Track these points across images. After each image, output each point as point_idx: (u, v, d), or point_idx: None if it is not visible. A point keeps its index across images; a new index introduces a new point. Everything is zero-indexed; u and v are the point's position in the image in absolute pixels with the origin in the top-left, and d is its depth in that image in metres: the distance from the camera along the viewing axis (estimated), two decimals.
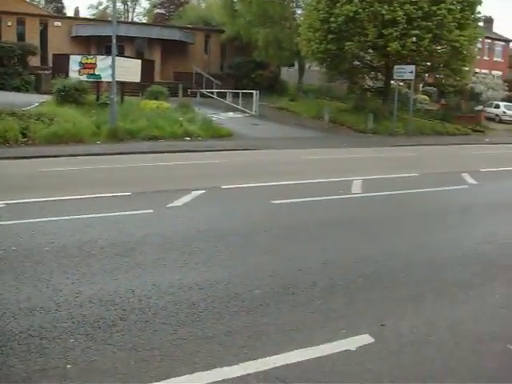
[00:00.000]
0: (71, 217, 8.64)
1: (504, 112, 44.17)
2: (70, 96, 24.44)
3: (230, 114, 32.34)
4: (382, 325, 5.02)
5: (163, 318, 5.03)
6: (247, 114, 32.49)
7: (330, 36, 30.32)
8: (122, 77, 24.88)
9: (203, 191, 11.17)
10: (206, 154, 18.84)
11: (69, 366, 4.16)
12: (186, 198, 10.33)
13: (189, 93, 35.98)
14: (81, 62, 26.49)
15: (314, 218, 9.43)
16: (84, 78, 26.16)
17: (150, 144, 20.60)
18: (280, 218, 9.36)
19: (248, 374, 4.12)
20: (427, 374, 4.23)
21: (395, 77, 30.36)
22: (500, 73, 55.36)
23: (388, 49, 29.21)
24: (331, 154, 20.20)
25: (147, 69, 29.91)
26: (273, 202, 10.38)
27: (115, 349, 4.44)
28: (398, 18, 28.53)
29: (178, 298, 5.46)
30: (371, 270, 6.54)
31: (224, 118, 29.70)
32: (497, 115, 44.05)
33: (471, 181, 14.18)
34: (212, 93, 37.50)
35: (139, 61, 30.06)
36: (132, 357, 4.33)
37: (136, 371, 4.13)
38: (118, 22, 22.96)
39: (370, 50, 32.55)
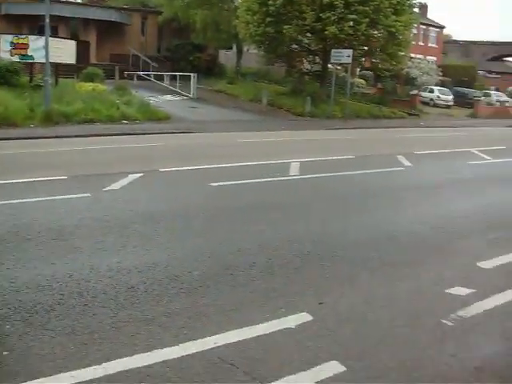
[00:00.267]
0: (5, 202, 8.41)
1: (438, 96, 45.35)
2: (2, 77, 23.63)
3: (168, 96, 32.01)
4: (320, 303, 5.13)
5: (102, 301, 4.99)
6: (185, 97, 32.23)
7: (268, 19, 30.31)
8: (56, 58, 24.18)
9: (141, 174, 11.06)
10: (144, 137, 18.61)
11: (5, 353, 4.09)
12: (123, 182, 10.21)
13: (125, 75, 35.34)
14: (12, 42, 25.56)
15: (252, 199, 9.49)
16: (16, 58, 25.30)
17: (86, 127, 20.19)
18: (218, 200, 9.37)
19: (188, 355, 4.14)
20: (364, 350, 4.36)
21: (333, 61, 30.62)
22: (434, 58, 56.66)
23: (326, 33, 29.43)
24: (269, 136, 20.29)
25: (82, 50, 29.25)
26: (211, 184, 10.38)
27: (53, 334, 4.39)
28: (336, 2, 28.74)
29: (116, 282, 5.42)
30: (309, 249, 6.65)
31: (161, 101, 29.37)
32: (431, 99, 45.17)
33: (406, 163, 14.53)
34: (149, 75, 37.01)
35: (74, 42, 29.25)
36: (71, 341, 4.28)
37: (75, 355, 4.09)
38: (52, 0, 22.17)
39: (308, 34, 32.66)
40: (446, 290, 5.62)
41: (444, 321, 4.93)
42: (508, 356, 4.46)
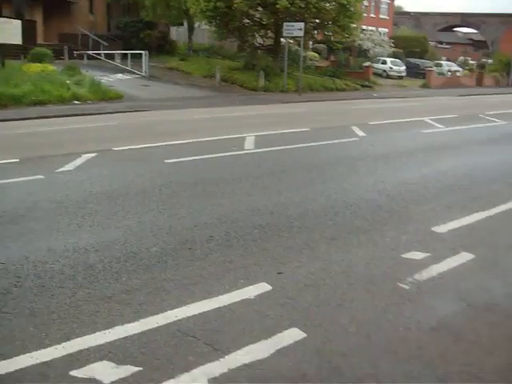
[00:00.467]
0: None
1: (391, 68, 45.77)
2: None
3: (119, 75, 31.49)
4: (279, 273, 5.18)
5: (60, 281, 4.94)
6: (137, 76, 31.75)
7: None
8: (0, 39, 23.55)
9: (94, 154, 10.91)
10: (96, 117, 18.31)
11: None
12: (77, 162, 10.06)
13: (75, 55, 34.66)
14: None
15: (208, 174, 9.46)
16: None
17: (36, 109, 19.75)
18: (174, 176, 9.31)
19: (149, 330, 4.15)
20: (324, 316, 4.43)
21: (285, 34, 30.48)
22: (386, 30, 57.15)
23: (277, 6, 29.24)
24: (224, 112, 20.21)
25: (29, 30, 28.48)
26: (166, 161, 10.31)
27: (11, 316, 4.33)
28: None
29: (74, 261, 5.37)
30: (266, 221, 6.69)
31: (113, 80, 28.89)
32: (384, 71, 45.56)
33: (360, 133, 14.68)
34: (99, 54, 36.28)
35: (19, 21, 28.47)
36: (30, 322, 4.24)
37: (35, 336, 4.05)
38: None
39: (260, 8, 32.44)
40: (402, 255, 5.73)
41: (401, 285, 5.04)
42: (462, 315, 4.58)
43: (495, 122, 18.96)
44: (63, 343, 3.95)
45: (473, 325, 4.44)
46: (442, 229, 6.64)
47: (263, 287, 4.85)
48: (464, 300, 4.84)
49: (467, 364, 3.90)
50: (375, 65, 44.82)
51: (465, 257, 5.77)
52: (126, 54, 34.02)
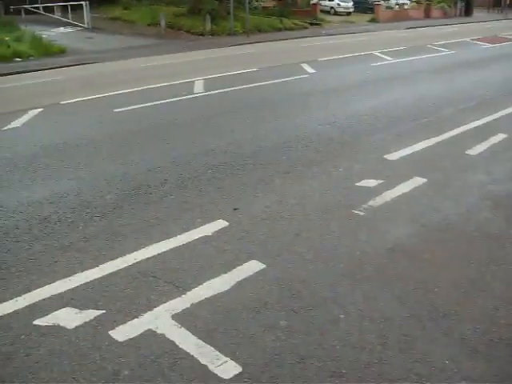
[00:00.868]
0: None
1: (338, 4, 45.30)
2: None
3: (61, 29, 30.52)
4: (235, 209, 5.21)
5: (16, 236, 4.88)
6: (79, 28, 30.82)
7: None
8: None
9: (41, 109, 10.64)
10: (41, 73, 17.76)
11: None
12: (23, 119, 9.81)
13: (11, 10, 33.36)
14: None
15: (160, 120, 9.35)
16: None
17: None
18: (124, 124, 9.18)
19: (109, 274, 4.15)
20: (281, 247, 4.49)
21: None
22: None
23: None
24: (171, 59, 19.83)
25: None
26: (115, 110, 10.14)
27: None
28: None
29: (28, 215, 5.30)
30: (220, 161, 6.68)
31: (55, 34, 27.99)
32: (332, 8, 45.09)
33: (311, 70, 14.64)
34: (38, 8, 35.00)
35: None
36: None
37: None
38: None
39: None
40: (356, 184, 5.82)
41: (356, 211, 5.13)
42: (416, 237, 4.69)
43: (443, 51, 19.09)
44: (24, 295, 3.92)
45: (427, 244, 4.56)
46: (393, 156, 6.74)
47: (220, 224, 4.88)
48: (417, 222, 4.96)
49: (423, 281, 4.02)
50: (322, 2, 44.31)
51: (417, 181, 5.89)
52: (66, 6, 32.87)
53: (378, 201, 5.35)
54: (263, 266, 4.17)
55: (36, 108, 10.65)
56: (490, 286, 3.99)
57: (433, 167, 6.35)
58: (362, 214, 5.08)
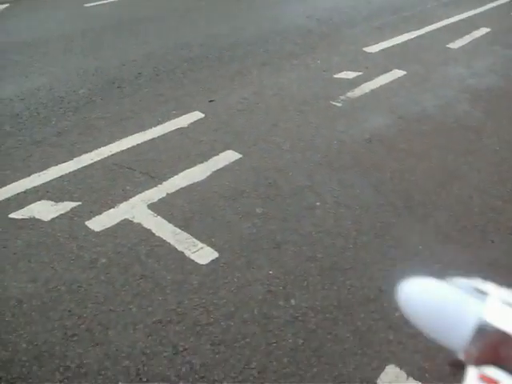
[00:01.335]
0: None
1: None
2: None
3: None
4: (211, 100, 5.11)
5: None
6: None
7: None
8: None
9: (7, 5, 10.17)
10: None
11: None
12: None
13: None
14: None
15: (132, 14, 8.99)
16: None
17: None
18: (96, 20, 8.80)
19: (84, 167, 4.10)
20: (258, 137, 4.45)
21: None
22: None
23: None
24: None
25: None
26: (86, 5, 9.74)
27: None
28: None
29: None
30: (196, 53, 6.50)
31: None
32: None
33: None
34: None
35: None
36: None
37: None
38: None
39: None
40: (334, 75, 5.72)
41: (334, 103, 5.06)
42: (393, 127, 4.67)
43: None
44: None
45: (404, 135, 4.54)
46: (373, 49, 6.60)
47: (196, 116, 4.80)
48: (396, 113, 4.92)
49: (399, 171, 4.03)
50: None
51: (396, 74, 5.80)
52: None
53: (356, 92, 5.28)
54: (239, 155, 4.14)
55: (2, 4, 10.18)
56: (466, 175, 4.01)
57: (413, 60, 6.24)
58: (339, 105, 5.02)
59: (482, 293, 0.40)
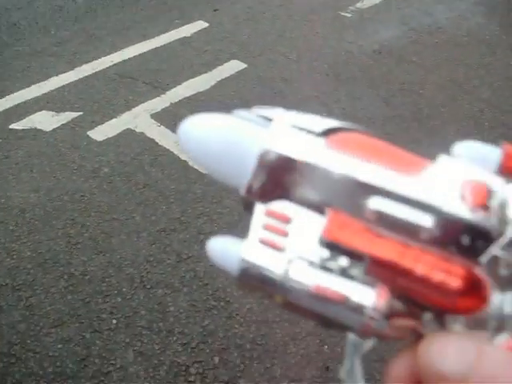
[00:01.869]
0: None
1: None
2: None
3: None
4: (215, 10, 4.93)
5: None
6: None
7: None
8: None
9: None
10: None
11: None
12: None
13: None
14: None
15: None
16: None
17: None
18: None
19: (85, 77, 4.01)
20: (264, 47, 4.32)
21: None
22: None
23: None
24: None
25: None
26: None
27: None
28: None
29: None
30: None
31: None
32: None
33: None
34: None
35: None
36: None
37: None
38: None
39: None
40: None
41: (342, 13, 4.88)
42: (404, 39, 4.52)
43: None
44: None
45: (415, 47, 4.41)
46: None
47: (200, 25, 4.64)
48: (407, 25, 4.76)
49: (409, 83, 3.94)
50: None
51: None
52: None
53: (366, 3, 5.08)
54: (245, 65, 4.02)
55: None
56: (477, 90, 3.92)
57: None
58: (349, 15, 4.84)
59: (268, 119, 0.36)
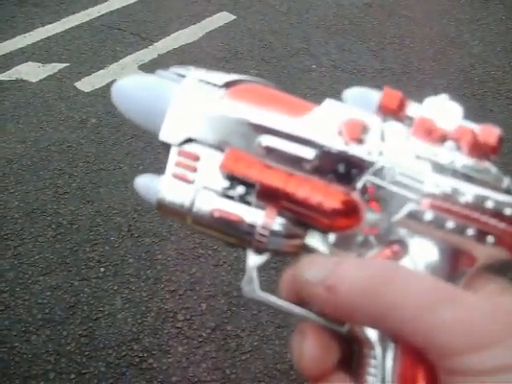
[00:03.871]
0: None
1: None
2: None
3: None
4: None
5: None
6: None
7: None
8: None
9: None
10: None
11: None
12: None
13: None
14: None
15: None
16: None
17: None
18: None
19: (72, 28, 3.93)
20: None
21: None
22: None
23: None
24: None
25: None
26: None
27: None
28: None
29: None
30: None
31: None
32: None
33: None
34: None
35: None
36: None
37: None
38: None
39: None
40: None
41: None
42: None
43: None
44: None
45: (407, 0, 4.38)
46: None
47: None
48: None
49: (399, 36, 3.92)
50: None
51: None
52: None
53: None
54: (234, 17, 3.97)
55: None
56: (468, 44, 3.90)
57: None
58: None
59: (182, 76, 0.42)
